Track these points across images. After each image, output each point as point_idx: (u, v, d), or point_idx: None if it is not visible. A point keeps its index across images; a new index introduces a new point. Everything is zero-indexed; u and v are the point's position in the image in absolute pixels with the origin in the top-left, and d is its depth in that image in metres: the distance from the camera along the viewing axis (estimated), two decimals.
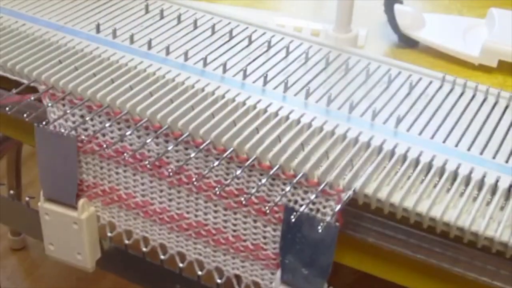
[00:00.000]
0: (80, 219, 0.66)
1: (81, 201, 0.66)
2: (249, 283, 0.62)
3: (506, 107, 0.63)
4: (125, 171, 0.63)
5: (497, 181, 0.53)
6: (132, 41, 0.68)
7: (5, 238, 1.40)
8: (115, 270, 0.73)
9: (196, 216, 0.61)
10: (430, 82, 0.66)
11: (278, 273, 0.58)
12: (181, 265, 0.65)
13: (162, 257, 0.66)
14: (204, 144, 0.56)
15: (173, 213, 0.62)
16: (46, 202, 0.67)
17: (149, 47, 0.67)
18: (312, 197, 0.52)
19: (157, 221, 0.64)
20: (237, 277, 0.62)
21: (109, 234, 0.68)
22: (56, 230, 0.68)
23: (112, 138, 0.61)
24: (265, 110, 0.60)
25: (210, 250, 0.62)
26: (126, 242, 0.67)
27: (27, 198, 0.73)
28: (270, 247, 0.58)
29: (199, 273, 0.64)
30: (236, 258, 0.61)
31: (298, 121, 0.58)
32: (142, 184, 0.62)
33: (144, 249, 0.66)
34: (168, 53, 0.67)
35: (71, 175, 0.65)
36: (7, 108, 0.61)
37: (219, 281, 0.63)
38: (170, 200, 0.62)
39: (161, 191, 0.62)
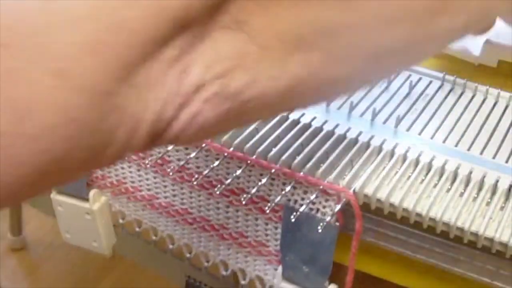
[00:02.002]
0: (92, 209, 0.66)
1: (92, 192, 0.66)
2: (253, 278, 0.62)
3: (506, 107, 0.62)
4: (129, 166, 0.63)
5: (497, 181, 0.53)
6: None
7: (5, 238, 1.40)
8: (131, 255, 0.74)
9: (199, 211, 0.61)
10: (430, 82, 0.66)
11: (280, 269, 0.58)
12: (188, 255, 0.66)
13: (170, 246, 0.66)
14: (204, 144, 0.56)
15: (177, 208, 0.63)
16: (57, 194, 0.67)
17: None
18: (312, 197, 0.52)
19: (164, 214, 0.64)
20: (242, 271, 0.63)
21: (120, 221, 0.68)
22: (70, 220, 0.68)
23: None
24: None
25: (214, 244, 0.62)
26: (137, 229, 0.68)
27: None
28: (272, 244, 0.58)
29: (206, 264, 0.65)
30: (239, 253, 0.61)
31: (298, 121, 0.58)
32: (147, 179, 0.63)
33: (154, 237, 0.67)
34: None
35: None
36: None
37: (224, 273, 0.64)
38: (174, 195, 0.62)
39: (165, 186, 0.62)
